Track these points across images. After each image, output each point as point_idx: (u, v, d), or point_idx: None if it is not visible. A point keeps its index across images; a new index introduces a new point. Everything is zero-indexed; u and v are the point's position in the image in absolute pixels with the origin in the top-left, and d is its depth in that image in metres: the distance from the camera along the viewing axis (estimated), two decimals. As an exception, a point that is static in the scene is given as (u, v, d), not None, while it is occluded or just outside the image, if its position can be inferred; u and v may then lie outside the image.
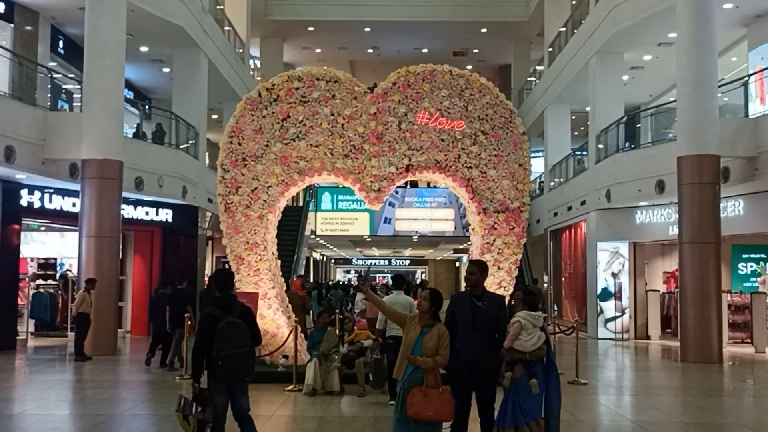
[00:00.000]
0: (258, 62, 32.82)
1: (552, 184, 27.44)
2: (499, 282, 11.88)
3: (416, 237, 34.48)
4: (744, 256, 19.59)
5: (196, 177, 21.05)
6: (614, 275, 20.87)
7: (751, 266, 19.58)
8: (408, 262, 62.16)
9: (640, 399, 11.15)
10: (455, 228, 31.32)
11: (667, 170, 16.72)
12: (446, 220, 31.49)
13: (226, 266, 25.52)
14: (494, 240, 11.99)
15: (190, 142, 21.23)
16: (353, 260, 61.74)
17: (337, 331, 10.87)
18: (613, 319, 20.66)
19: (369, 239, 36.49)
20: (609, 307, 20.77)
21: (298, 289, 16.01)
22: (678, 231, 15.76)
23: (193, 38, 20.57)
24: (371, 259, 60.97)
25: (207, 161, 23.55)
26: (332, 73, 12.20)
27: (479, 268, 6.49)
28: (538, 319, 6.24)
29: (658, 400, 10.91)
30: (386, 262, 62.40)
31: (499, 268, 11.92)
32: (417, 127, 12.06)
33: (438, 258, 58.15)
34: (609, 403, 10.83)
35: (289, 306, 12.55)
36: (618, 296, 20.65)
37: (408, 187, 30.06)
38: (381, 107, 12.08)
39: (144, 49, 21.67)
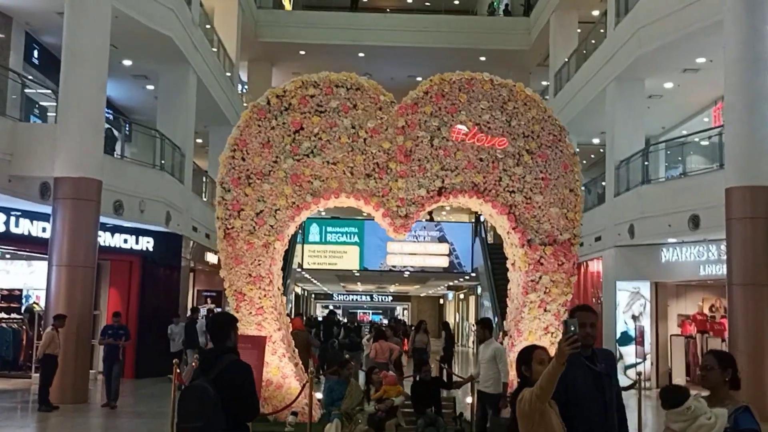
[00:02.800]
0: (245, 87, 31.15)
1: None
2: (546, 327, 10.11)
3: (407, 273, 33.06)
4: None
5: (180, 202, 19.15)
6: (635, 318, 19.25)
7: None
8: (390, 298, 60.28)
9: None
10: (449, 264, 30.73)
11: (703, 204, 15.38)
12: (440, 255, 30.86)
13: (209, 300, 24.06)
14: (540, 277, 10.25)
15: (173, 164, 19.34)
16: (334, 295, 59.71)
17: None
18: (634, 365, 18.96)
19: (357, 274, 34.83)
20: (629, 353, 19.08)
21: (299, 327, 14.12)
22: (726, 272, 14.11)
23: (182, 51, 18.81)
24: (354, 295, 58.96)
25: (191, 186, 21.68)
26: (354, 80, 10.48)
27: (594, 314, 4.60)
28: (687, 412, 4.28)
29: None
30: (368, 298, 60.51)
31: (545, 310, 10.17)
32: (452, 144, 10.37)
33: (422, 294, 56.31)
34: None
35: (296, 351, 10.66)
36: (640, 341, 19.00)
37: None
38: (410, 120, 10.37)
39: (127, 63, 19.83)
